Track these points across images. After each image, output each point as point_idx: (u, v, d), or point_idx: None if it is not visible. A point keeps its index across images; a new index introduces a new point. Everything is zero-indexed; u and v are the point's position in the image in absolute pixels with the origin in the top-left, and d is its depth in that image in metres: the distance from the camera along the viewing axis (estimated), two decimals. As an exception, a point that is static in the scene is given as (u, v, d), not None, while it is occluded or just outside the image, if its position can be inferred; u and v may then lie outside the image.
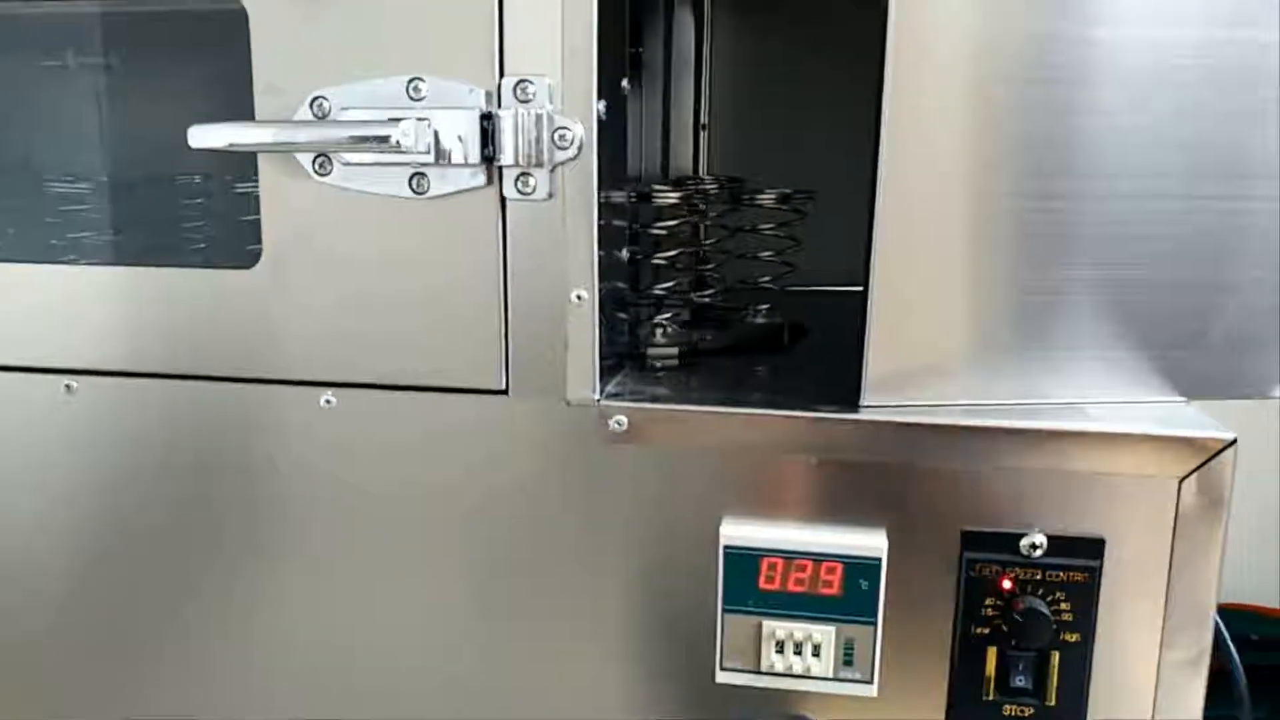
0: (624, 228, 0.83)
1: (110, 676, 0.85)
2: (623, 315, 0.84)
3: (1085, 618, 0.69)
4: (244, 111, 0.73)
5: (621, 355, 0.83)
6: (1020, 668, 0.70)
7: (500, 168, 0.70)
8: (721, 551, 0.72)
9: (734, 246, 0.95)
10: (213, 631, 0.82)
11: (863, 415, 0.70)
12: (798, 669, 0.72)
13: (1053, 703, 0.70)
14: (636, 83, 0.99)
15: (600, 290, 0.72)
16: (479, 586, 0.77)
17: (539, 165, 0.70)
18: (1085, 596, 0.69)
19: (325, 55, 0.71)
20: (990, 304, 0.70)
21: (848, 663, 0.71)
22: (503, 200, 0.71)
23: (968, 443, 0.69)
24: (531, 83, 0.69)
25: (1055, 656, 0.70)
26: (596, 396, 0.73)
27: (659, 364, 0.84)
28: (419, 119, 0.69)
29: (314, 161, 0.72)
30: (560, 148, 0.70)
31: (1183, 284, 0.69)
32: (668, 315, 0.87)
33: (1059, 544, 0.69)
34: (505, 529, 0.76)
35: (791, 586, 0.71)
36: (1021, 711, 0.71)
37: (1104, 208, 0.68)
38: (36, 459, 0.82)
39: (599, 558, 0.75)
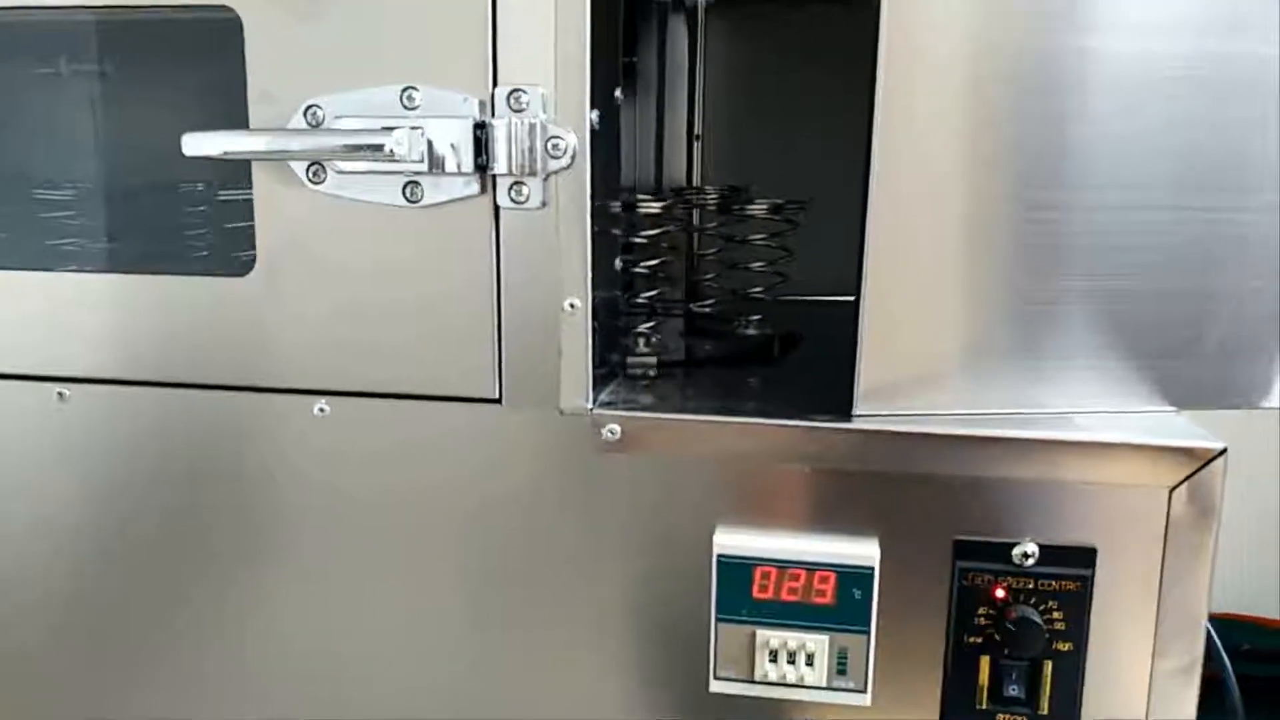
0: (617, 237, 0.83)
1: (103, 684, 0.85)
2: (617, 324, 0.84)
3: (1078, 627, 0.69)
4: (238, 120, 0.73)
5: (615, 364, 0.83)
6: (1013, 676, 0.70)
7: (494, 176, 0.70)
8: (715, 560, 0.72)
9: (726, 256, 0.95)
10: (206, 639, 0.82)
11: (855, 424, 0.71)
12: (791, 678, 0.72)
13: (1046, 712, 0.70)
14: (630, 92, 0.99)
15: (593, 299, 0.72)
16: (472, 595, 0.77)
17: (532, 174, 0.70)
18: (1077, 605, 0.69)
19: (319, 64, 0.71)
20: (982, 313, 0.70)
21: (841, 672, 0.71)
22: (496, 209, 0.71)
23: (960, 452, 0.69)
24: (525, 92, 0.69)
25: (1048, 665, 0.70)
26: (589, 405, 0.73)
27: (639, 372, 0.84)
28: (412, 128, 0.69)
29: (308, 170, 0.72)
30: (554, 157, 0.70)
31: (1174, 294, 0.69)
32: (650, 324, 0.87)
33: (1051, 553, 0.69)
34: (498, 538, 0.76)
35: (785, 595, 0.71)
36: (1014, 720, 0.71)
37: (1096, 217, 0.68)
38: (29, 467, 0.81)
39: (592, 566, 0.75)
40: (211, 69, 0.78)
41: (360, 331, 0.74)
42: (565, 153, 0.70)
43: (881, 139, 0.67)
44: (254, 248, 0.75)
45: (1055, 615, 0.69)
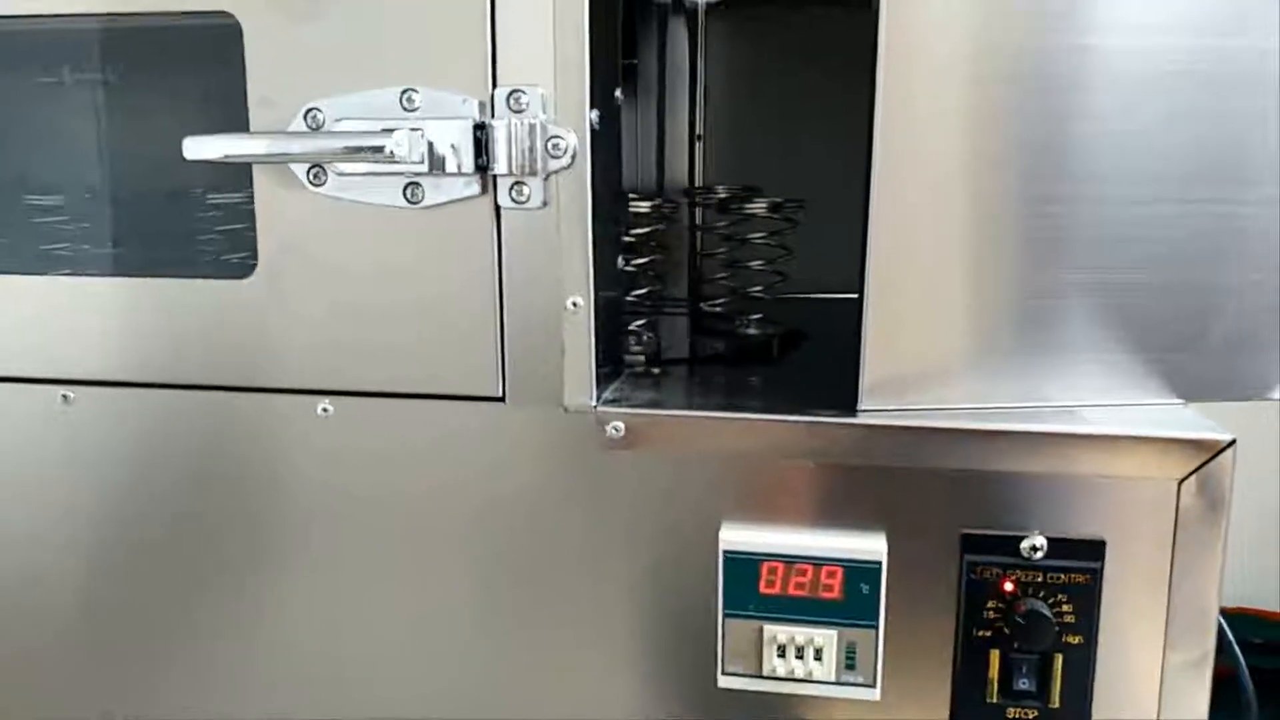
0: (619, 236, 0.83)
1: (110, 686, 0.85)
2: (620, 322, 0.84)
3: (1087, 620, 0.69)
4: (238, 125, 0.73)
5: (619, 362, 0.83)
6: (1023, 670, 0.70)
7: (494, 177, 0.71)
8: (721, 556, 0.71)
9: (729, 256, 0.95)
10: (213, 640, 0.82)
11: (860, 419, 0.70)
12: (799, 673, 0.71)
13: (1056, 705, 0.70)
14: (631, 93, 1.00)
15: (596, 298, 0.72)
16: (478, 593, 0.77)
17: (533, 174, 0.70)
18: (1087, 598, 0.69)
19: (319, 67, 0.72)
20: (986, 308, 0.70)
21: (850, 666, 0.71)
22: (497, 209, 0.71)
23: (966, 446, 0.69)
24: (524, 92, 0.69)
25: (1058, 659, 0.70)
26: (593, 403, 0.73)
27: (640, 370, 0.85)
28: (412, 129, 0.69)
29: (308, 172, 0.73)
30: (554, 157, 0.70)
31: (1180, 287, 0.69)
32: (641, 323, 0.87)
33: (1060, 546, 0.69)
34: (503, 536, 0.76)
35: (792, 590, 0.71)
36: (1025, 714, 0.71)
37: (1100, 211, 0.68)
38: (33, 469, 0.82)
39: (599, 563, 0.75)
40: (211, 74, 0.79)
41: (363, 332, 0.74)
42: (565, 152, 0.70)
43: (882, 137, 0.67)
44: (250, 250, 0.75)
45: (1065, 608, 0.69)
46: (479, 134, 0.70)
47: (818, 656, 0.71)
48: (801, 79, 1.18)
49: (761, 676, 0.72)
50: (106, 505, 0.81)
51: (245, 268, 0.76)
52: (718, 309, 0.95)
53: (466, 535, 0.76)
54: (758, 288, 0.95)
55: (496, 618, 0.77)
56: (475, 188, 0.71)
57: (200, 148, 0.71)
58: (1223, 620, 0.73)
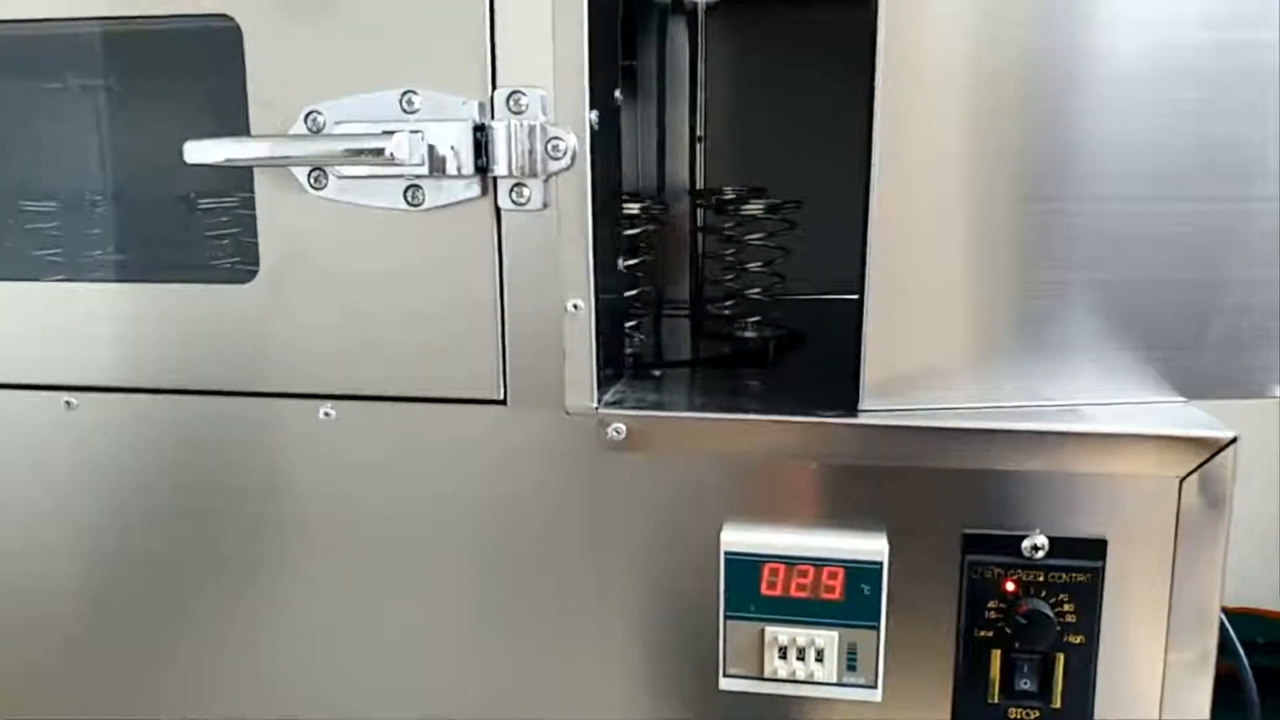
0: (619, 237, 0.83)
1: (114, 692, 0.85)
2: (622, 324, 0.84)
3: (1089, 619, 0.69)
4: (238, 129, 0.73)
5: (620, 364, 0.83)
6: (1025, 670, 0.70)
7: (494, 178, 0.71)
8: (723, 558, 0.71)
9: (730, 257, 0.95)
10: (215, 644, 0.82)
11: (861, 419, 0.70)
12: (801, 674, 0.71)
13: (1058, 705, 0.70)
14: (631, 95, 1.00)
15: (597, 299, 0.72)
16: (480, 595, 0.77)
17: (533, 176, 0.70)
18: (1089, 598, 0.69)
19: (319, 70, 0.72)
20: (987, 307, 0.70)
21: (851, 668, 0.71)
22: (497, 211, 0.71)
23: (967, 445, 0.69)
24: (524, 94, 0.69)
25: (1060, 658, 0.70)
26: (595, 405, 0.73)
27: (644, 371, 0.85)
28: (413, 131, 0.69)
29: (309, 175, 0.73)
30: (554, 158, 0.70)
31: (1181, 285, 0.69)
32: (631, 324, 0.87)
33: (1061, 545, 0.69)
34: (505, 538, 0.76)
35: (794, 592, 0.71)
36: (1027, 714, 0.71)
37: (1101, 210, 0.68)
38: (37, 475, 0.82)
39: (600, 565, 0.75)
40: (212, 78, 0.79)
41: (364, 335, 0.74)
42: (565, 154, 0.70)
43: (882, 136, 0.67)
44: (251, 254, 0.75)
45: (1066, 608, 0.69)
46: (479, 136, 0.70)
47: (819, 658, 0.71)
48: (802, 79, 1.18)
49: (763, 678, 0.72)
50: (110, 510, 0.81)
51: (247, 272, 0.76)
52: (719, 310, 0.95)
53: (468, 537, 0.76)
54: (755, 290, 0.95)
55: (498, 619, 0.77)
56: (475, 189, 0.71)
57: (201, 151, 0.71)
58: (1225, 619, 0.73)
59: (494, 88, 0.70)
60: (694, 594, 0.73)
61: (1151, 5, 0.66)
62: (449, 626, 0.78)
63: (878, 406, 0.71)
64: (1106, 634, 0.69)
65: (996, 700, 0.71)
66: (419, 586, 0.78)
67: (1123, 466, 0.68)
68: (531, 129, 0.69)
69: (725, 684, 0.73)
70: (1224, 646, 0.71)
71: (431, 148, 0.70)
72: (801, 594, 0.71)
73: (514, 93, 0.69)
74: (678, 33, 1.09)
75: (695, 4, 1.11)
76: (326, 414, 0.76)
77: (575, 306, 0.72)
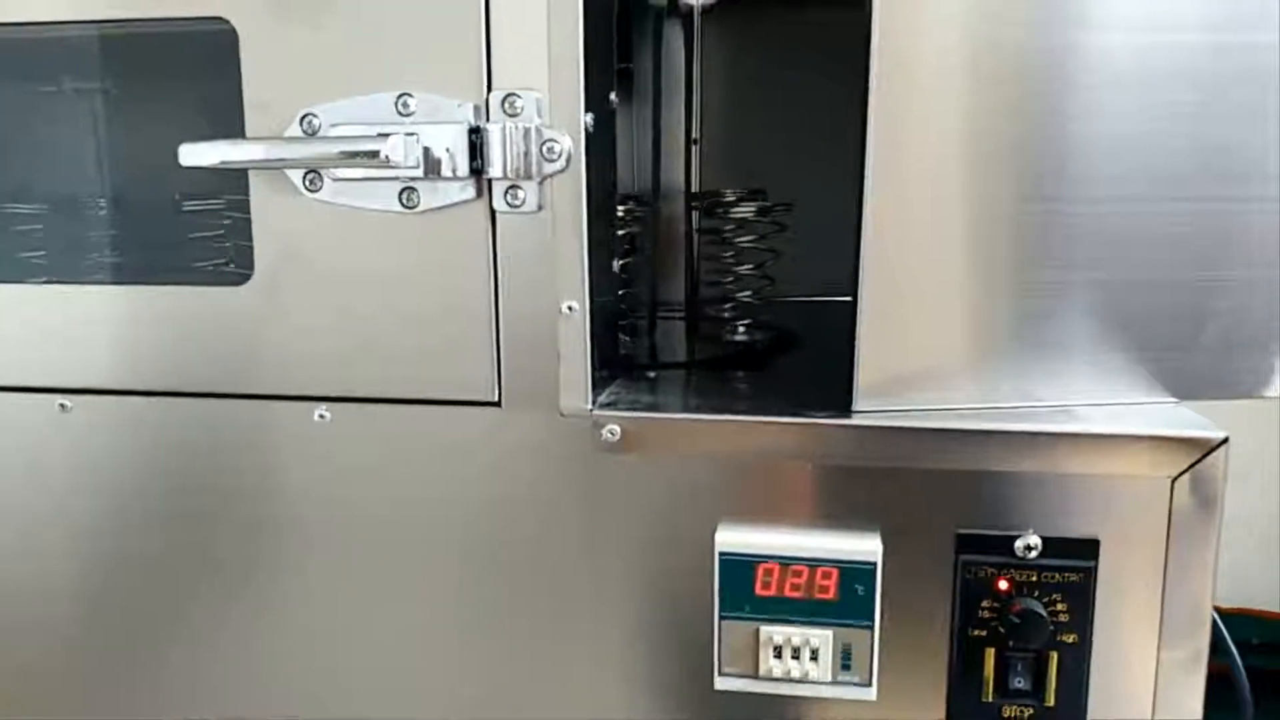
0: (614, 239, 0.83)
1: (109, 694, 0.85)
2: (616, 326, 0.84)
3: (1082, 618, 0.69)
4: (234, 131, 0.73)
5: (615, 365, 0.84)
6: (1019, 669, 0.70)
7: (489, 181, 0.71)
8: (717, 558, 0.72)
9: (724, 259, 0.96)
10: (210, 647, 0.82)
11: (855, 420, 0.71)
12: (796, 674, 0.72)
13: (1052, 703, 0.70)
14: (626, 97, 1.00)
15: (591, 301, 0.72)
16: (474, 596, 0.77)
17: (528, 178, 0.70)
18: (1081, 597, 0.69)
19: (314, 73, 0.72)
20: (981, 308, 0.70)
21: (846, 667, 0.71)
22: (492, 213, 0.71)
23: (960, 446, 0.69)
24: (519, 96, 0.69)
25: (1053, 657, 0.70)
26: (589, 407, 0.73)
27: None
28: (408, 134, 0.69)
29: (305, 178, 0.73)
30: (548, 160, 0.70)
31: (1174, 285, 0.70)
32: (626, 325, 0.87)
33: (1054, 545, 0.69)
34: (500, 540, 0.76)
35: (788, 592, 0.71)
36: (1021, 712, 0.71)
37: (1096, 211, 0.68)
38: (32, 478, 0.82)
39: (595, 566, 0.75)
40: (208, 81, 0.79)
41: (359, 337, 0.75)
42: (560, 156, 0.70)
43: (876, 137, 0.67)
44: (246, 256, 0.75)
45: (1059, 607, 0.69)
46: (474, 138, 0.70)
47: (814, 657, 0.71)
48: (797, 81, 1.18)
49: (758, 678, 0.72)
50: (105, 512, 0.81)
51: (242, 274, 0.76)
52: (714, 313, 0.95)
53: (463, 539, 0.77)
54: (746, 293, 0.95)
55: (493, 620, 0.78)
56: (470, 192, 0.71)
57: (196, 154, 0.71)
58: (1219, 620, 0.73)
59: (489, 90, 0.70)
60: (689, 594, 0.74)
61: (1148, 8, 0.66)
62: (444, 628, 0.78)
63: (871, 407, 0.71)
64: (1099, 633, 0.70)
65: (991, 699, 0.71)
66: (414, 588, 0.78)
67: (1115, 467, 0.68)
68: (526, 131, 0.69)
69: (720, 683, 0.74)
70: (1218, 646, 0.71)
71: (427, 150, 0.70)
72: (796, 594, 0.71)
73: (509, 95, 0.70)
74: (673, 35, 1.09)
75: (691, 6, 1.11)
76: (321, 416, 0.76)
77: (570, 308, 0.72)
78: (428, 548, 0.77)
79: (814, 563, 0.71)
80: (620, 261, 0.84)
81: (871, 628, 0.71)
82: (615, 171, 0.84)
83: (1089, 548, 0.69)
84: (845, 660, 0.71)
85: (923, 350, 0.71)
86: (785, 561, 0.71)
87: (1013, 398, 0.71)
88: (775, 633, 0.71)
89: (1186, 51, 0.66)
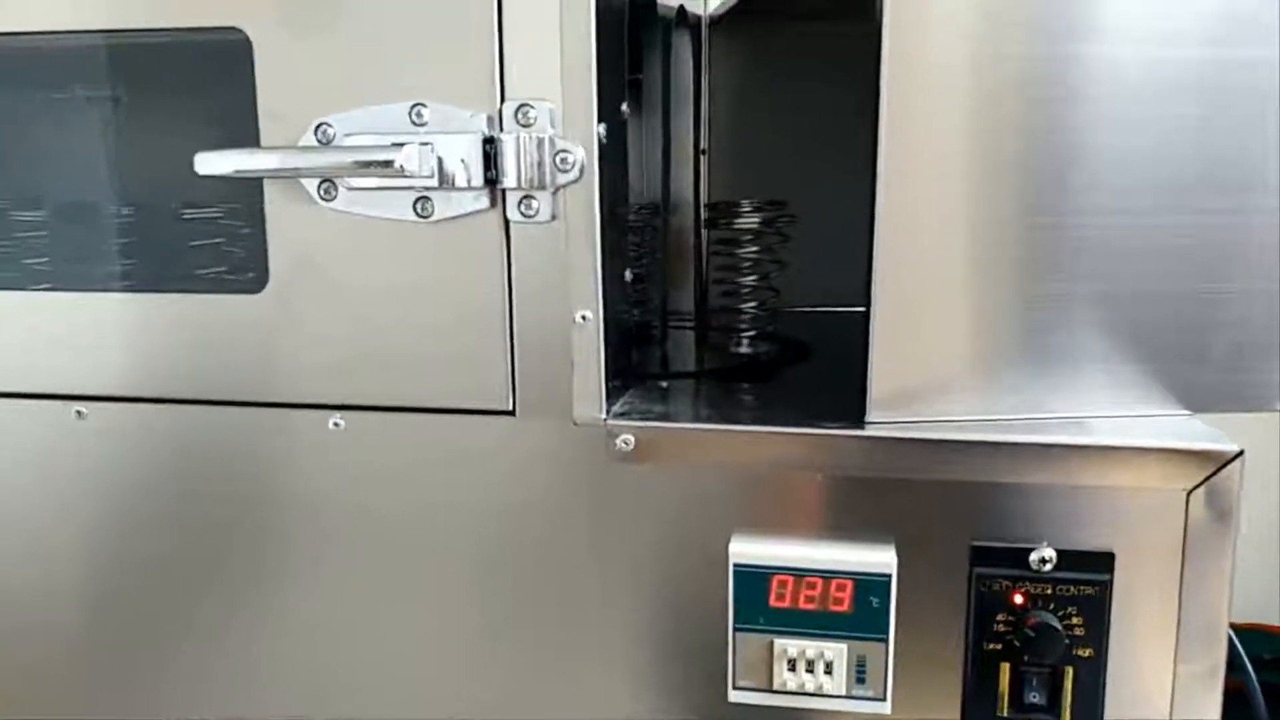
0: (626, 249, 0.83)
1: (120, 697, 0.85)
2: (630, 335, 0.84)
3: (1098, 632, 0.69)
4: (248, 140, 0.73)
5: (628, 375, 0.83)
6: (1034, 683, 0.70)
7: (503, 191, 0.71)
8: (731, 570, 0.71)
9: (734, 270, 0.95)
10: (224, 652, 0.82)
11: (869, 432, 0.70)
12: (810, 687, 0.71)
13: (1068, 718, 0.70)
14: (636, 108, 1.00)
15: (605, 311, 0.72)
16: (488, 605, 0.77)
17: (541, 188, 0.70)
18: (1097, 611, 0.69)
19: (329, 83, 0.72)
20: (993, 320, 0.70)
21: (860, 680, 0.71)
22: (506, 223, 0.72)
23: (975, 457, 0.69)
24: (532, 107, 0.70)
25: (1069, 671, 0.69)
26: (603, 416, 0.73)
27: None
28: (422, 144, 0.70)
29: (319, 187, 0.73)
30: (562, 170, 0.70)
31: (1184, 297, 0.69)
32: (638, 335, 0.87)
33: (1069, 558, 0.69)
34: (513, 549, 0.76)
35: (802, 604, 0.71)
36: (1036, 727, 0.70)
37: (1105, 222, 0.68)
38: (48, 485, 0.82)
39: (608, 576, 0.75)
40: (222, 90, 0.79)
41: (374, 346, 0.75)
42: (573, 166, 0.70)
43: (887, 149, 0.67)
44: (261, 265, 0.75)
45: (1075, 621, 0.69)
46: (488, 148, 0.70)
47: (828, 670, 0.71)
48: (805, 91, 1.18)
49: (772, 690, 0.72)
50: (120, 519, 0.82)
51: (257, 283, 0.76)
52: (725, 323, 0.95)
53: (476, 547, 0.76)
54: (753, 305, 0.95)
55: (505, 628, 0.77)
56: (484, 201, 0.71)
57: (212, 163, 0.71)
58: (1233, 635, 0.73)
59: (502, 100, 0.70)
60: (702, 605, 0.73)
61: (1152, 23, 0.66)
62: (457, 635, 0.78)
63: (885, 419, 0.71)
64: (1115, 647, 0.69)
65: (1005, 714, 0.71)
66: (427, 595, 0.78)
67: (1129, 479, 0.68)
68: (540, 142, 0.70)
69: (735, 696, 0.73)
70: (1231, 662, 0.71)
71: (441, 160, 0.70)
72: (810, 606, 0.71)
73: (522, 105, 0.70)
74: (681, 46, 1.09)
75: (699, 17, 1.11)
76: (336, 424, 0.76)
77: (584, 318, 0.72)
78: (441, 555, 0.77)
79: (829, 574, 0.70)
80: (632, 271, 0.84)
81: (886, 640, 0.70)
82: (627, 181, 0.84)
83: (1104, 561, 0.69)
84: (860, 673, 0.71)
85: (935, 362, 0.71)
86: (799, 573, 0.71)
87: (1024, 410, 0.71)
88: (790, 645, 0.71)
89: (1189, 66, 0.66)
